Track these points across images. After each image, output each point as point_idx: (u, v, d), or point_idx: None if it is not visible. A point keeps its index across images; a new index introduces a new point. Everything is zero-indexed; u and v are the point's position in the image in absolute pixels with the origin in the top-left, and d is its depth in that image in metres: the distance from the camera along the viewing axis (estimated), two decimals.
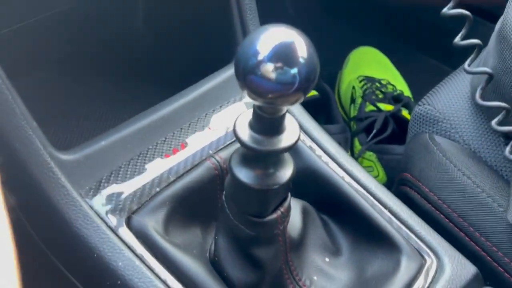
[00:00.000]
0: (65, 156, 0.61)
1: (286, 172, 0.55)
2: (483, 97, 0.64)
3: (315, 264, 0.64)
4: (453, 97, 0.79)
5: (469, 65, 0.59)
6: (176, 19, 0.77)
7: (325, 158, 0.70)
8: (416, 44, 1.30)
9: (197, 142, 0.68)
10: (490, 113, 0.70)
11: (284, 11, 1.39)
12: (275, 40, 0.44)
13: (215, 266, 0.61)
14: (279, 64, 0.44)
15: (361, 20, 1.37)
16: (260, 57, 0.43)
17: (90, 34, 0.71)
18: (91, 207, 0.60)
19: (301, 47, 0.44)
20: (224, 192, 0.57)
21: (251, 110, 0.52)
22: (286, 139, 0.52)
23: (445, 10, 0.58)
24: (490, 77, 0.57)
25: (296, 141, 0.52)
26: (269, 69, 0.43)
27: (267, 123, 0.50)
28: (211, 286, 0.57)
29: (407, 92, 1.18)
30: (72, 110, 0.70)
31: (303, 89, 0.45)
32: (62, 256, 0.62)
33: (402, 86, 1.19)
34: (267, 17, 1.32)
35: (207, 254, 0.65)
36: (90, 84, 0.71)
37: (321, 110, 1.10)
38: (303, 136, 0.71)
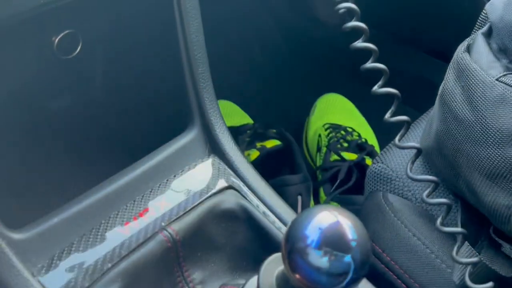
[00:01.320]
0: (16, 235, 0.62)
1: None
2: (427, 155, 0.65)
3: None
4: (405, 156, 0.81)
5: (399, 140, 0.61)
6: (132, 90, 0.79)
7: (278, 224, 0.71)
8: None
9: (150, 214, 0.69)
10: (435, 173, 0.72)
11: (253, 59, 1.41)
12: (323, 224, 0.42)
13: None
14: (328, 250, 0.41)
15: (328, 66, 1.40)
16: (312, 244, 0.41)
17: (43, 104, 0.73)
18: (43, 286, 0.60)
19: (351, 229, 0.41)
20: None
21: (276, 259, 0.50)
22: None
23: (387, 117, 0.60)
24: (419, 152, 0.60)
25: None
26: (316, 257, 0.41)
27: None
28: None
29: (372, 140, 1.20)
30: (22, 185, 0.71)
31: (358, 279, 0.42)
32: None
33: (367, 134, 1.21)
34: (236, 65, 1.34)
35: None
36: (41, 157, 0.72)
37: (285, 160, 1.11)
38: (257, 203, 0.73)
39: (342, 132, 1.18)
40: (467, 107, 0.66)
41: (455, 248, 0.61)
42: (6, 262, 0.60)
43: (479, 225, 0.70)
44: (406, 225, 0.74)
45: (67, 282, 0.61)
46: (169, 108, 0.78)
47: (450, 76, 0.70)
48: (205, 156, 0.76)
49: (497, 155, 0.63)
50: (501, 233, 0.69)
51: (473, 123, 0.65)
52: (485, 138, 0.64)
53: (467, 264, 0.61)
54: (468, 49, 0.68)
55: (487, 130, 0.64)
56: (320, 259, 0.42)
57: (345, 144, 1.14)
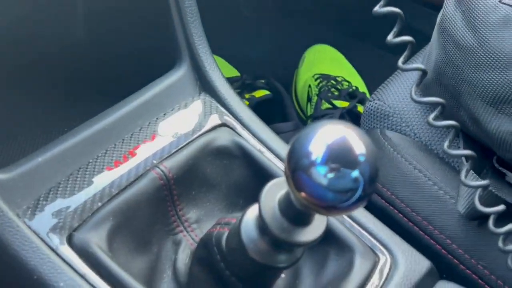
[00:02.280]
0: (0, 175, 0.58)
1: (298, 253, 0.51)
2: (425, 89, 0.63)
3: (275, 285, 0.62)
4: (403, 91, 0.78)
5: (403, 63, 0.58)
6: (116, 27, 0.74)
7: (276, 160, 0.68)
8: (371, 39, 1.30)
9: (140, 153, 0.65)
10: (434, 105, 0.69)
11: (239, 13, 1.37)
12: (328, 138, 0.39)
13: None
14: (335, 166, 0.38)
15: (316, 17, 1.36)
16: (312, 158, 0.39)
17: (26, 45, 0.68)
18: (29, 227, 0.57)
19: (359, 143, 0.39)
20: (223, 248, 0.54)
21: (281, 182, 0.47)
22: (313, 230, 0.47)
23: (376, 8, 0.57)
24: (424, 73, 0.56)
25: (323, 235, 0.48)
26: (322, 173, 0.38)
27: (305, 216, 0.46)
28: None
29: (362, 88, 1.17)
30: (6, 125, 0.66)
31: (368, 196, 0.40)
32: (1, 281, 0.58)
33: (357, 82, 1.18)
34: (222, 19, 1.30)
35: (168, 272, 0.62)
36: (26, 97, 0.68)
37: (275, 110, 1.08)
38: (252, 140, 0.69)
39: (332, 81, 1.15)
40: (468, 32, 0.63)
41: (463, 172, 0.58)
42: None
43: (482, 157, 0.67)
44: (406, 159, 0.71)
45: (55, 224, 0.57)
46: (157, 45, 0.74)
47: (449, 2, 0.66)
48: (195, 94, 0.72)
49: (501, 80, 0.61)
50: (505, 162, 0.66)
51: (475, 48, 0.62)
52: (488, 62, 0.61)
53: (476, 187, 0.58)
54: None
55: (490, 54, 0.61)
56: (326, 175, 0.39)
57: (336, 93, 1.11)
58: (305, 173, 0.40)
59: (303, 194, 0.41)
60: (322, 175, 0.39)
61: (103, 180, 0.62)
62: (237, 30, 1.31)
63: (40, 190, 0.59)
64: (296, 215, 0.46)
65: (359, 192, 0.40)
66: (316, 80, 1.16)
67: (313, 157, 0.39)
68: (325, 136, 0.40)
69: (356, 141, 0.40)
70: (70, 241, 0.56)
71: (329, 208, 0.41)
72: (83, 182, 0.61)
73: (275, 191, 0.48)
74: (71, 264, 0.55)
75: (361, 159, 0.39)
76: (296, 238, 0.47)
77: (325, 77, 1.16)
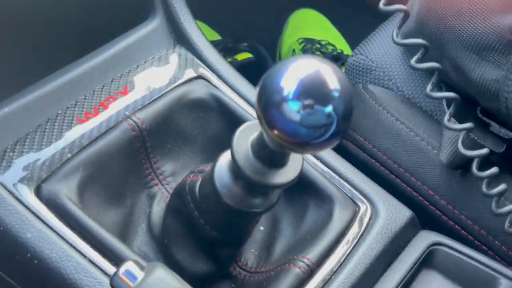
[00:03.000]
0: None
1: (273, 197, 0.49)
2: (405, 38, 0.60)
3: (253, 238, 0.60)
4: (385, 45, 0.75)
5: (384, 5, 0.55)
6: None
7: (253, 111, 0.65)
8: (356, 5, 1.26)
9: (112, 105, 0.62)
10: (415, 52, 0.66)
11: None
12: (300, 73, 0.37)
13: (163, 246, 0.57)
14: (308, 102, 0.37)
15: None
16: (284, 94, 0.37)
17: None
18: None
19: (333, 78, 0.37)
20: (197, 196, 0.51)
21: (254, 125, 0.45)
22: (288, 172, 0.45)
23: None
24: (406, 15, 0.54)
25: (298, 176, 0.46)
26: (295, 109, 0.36)
27: (278, 157, 0.44)
28: (129, 254, 0.52)
29: (347, 51, 1.14)
30: None
31: (342, 132, 0.38)
32: None
33: (342, 45, 1.15)
34: None
35: (143, 226, 0.60)
36: None
37: (258, 72, 1.04)
38: (229, 92, 0.66)
39: (317, 45, 1.12)
40: None
41: (446, 115, 0.56)
42: None
43: (466, 107, 0.65)
44: (388, 111, 0.69)
45: (23, 175, 0.55)
46: None
47: None
48: (170, 46, 0.69)
49: (485, 26, 0.58)
50: (489, 113, 0.64)
51: None
52: (471, 10, 0.59)
53: (460, 130, 0.56)
54: None
55: (474, 1, 0.59)
56: (299, 111, 0.37)
57: (320, 55, 1.08)
58: (277, 109, 0.38)
59: (275, 131, 0.39)
60: (294, 111, 0.37)
61: (73, 131, 0.59)
62: None
63: (6, 141, 0.56)
64: (269, 156, 0.44)
65: (333, 128, 0.38)
66: (300, 44, 1.13)
67: (285, 93, 0.37)
68: (298, 71, 0.38)
69: (330, 75, 0.37)
70: (38, 193, 0.54)
71: (303, 144, 0.39)
72: (51, 133, 0.58)
73: (248, 134, 0.46)
74: (39, 215, 0.53)
75: (335, 94, 0.37)
76: (270, 180, 0.45)
77: (309, 40, 1.13)
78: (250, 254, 0.59)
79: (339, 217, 0.57)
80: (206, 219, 0.51)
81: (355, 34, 1.18)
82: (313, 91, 0.37)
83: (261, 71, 1.12)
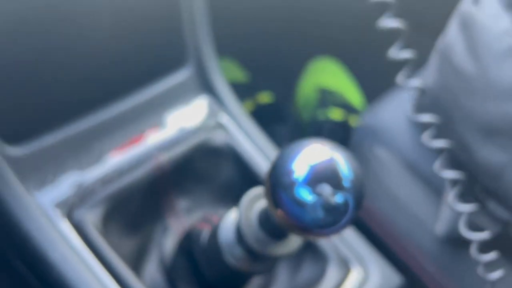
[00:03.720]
0: (14, 150, 0.58)
1: (273, 261, 0.50)
2: (420, 111, 0.60)
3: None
4: (394, 109, 0.77)
5: (402, 79, 0.56)
6: (128, 23, 0.73)
7: (265, 163, 0.67)
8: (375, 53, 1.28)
9: (143, 142, 0.65)
10: (427, 126, 0.68)
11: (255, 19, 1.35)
12: (313, 159, 0.35)
13: (171, 279, 0.58)
14: (318, 189, 0.35)
15: (325, 28, 1.33)
16: (299, 180, 0.35)
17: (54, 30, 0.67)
18: (35, 200, 0.57)
19: (346, 167, 0.35)
20: (201, 249, 0.53)
21: (259, 194, 0.45)
22: (290, 243, 0.45)
23: (381, 22, 0.55)
24: (421, 93, 0.55)
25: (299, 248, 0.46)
26: (303, 194, 0.35)
27: (282, 231, 0.43)
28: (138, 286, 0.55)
29: (358, 104, 1.16)
30: (23, 101, 0.66)
31: (348, 224, 0.36)
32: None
33: (354, 98, 1.17)
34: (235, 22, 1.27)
35: (156, 255, 0.62)
36: (43, 79, 0.67)
37: (276, 114, 1.08)
38: (245, 144, 0.69)
39: (331, 95, 1.14)
40: (469, 60, 0.60)
41: (451, 195, 0.56)
42: (3, 177, 0.56)
43: (466, 183, 0.66)
44: (390, 176, 0.71)
45: (58, 200, 0.58)
46: (164, 45, 0.73)
47: (453, 27, 0.64)
48: (198, 94, 0.72)
49: (497, 110, 0.58)
50: (487, 191, 0.65)
51: (475, 75, 0.59)
52: (486, 92, 0.58)
53: (463, 211, 0.56)
54: (475, 1, 0.63)
55: (490, 83, 0.58)
56: (306, 197, 0.36)
57: (333, 106, 1.10)
58: (284, 192, 0.36)
59: (279, 212, 0.38)
60: (302, 196, 0.35)
61: (105, 165, 0.62)
62: (249, 34, 1.29)
63: (48, 168, 0.60)
64: (272, 229, 0.44)
65: (339, 219, 0.36)
66: (316, 92, 1.15)
67: (295, 176, 0.36)
68: (310, 156, 0.36)
69: (342, 164, 0.36)
70: (69, 217, 0.57)
71: (305, 231, 0.37)
72: (87, 164, 0.62)
73: (256, 200, 0.46)
74: (67, 239, 0.55)
75: (346, 184, 0.35)
76: (271, 250, 0.45)
77: (325, 91, 1.15)
78: None
79: (330, 277, 0.58)
80: (208, 268, 0.54)
81: (373, 85, 1.20)
82: (324, 179, 0.36)
83: (280, 113, 1.14)
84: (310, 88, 1.18)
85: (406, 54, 0.55)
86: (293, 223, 0.37)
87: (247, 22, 1.22)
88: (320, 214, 0.36)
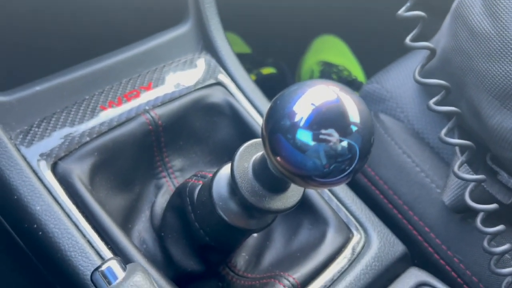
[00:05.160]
0: None
1: (268, 218, 0.44)
2: (427, 76, 0.53)
3: (245, 243, 0.55)
4: (402, 77, 0.69)
5: (411, 40, 0.48)
6: None
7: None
8: (380, 37, 1.19)
9: (135, 98, 0.58)
10: (434, 93, 0.59)
11: None
12: (318, 99, 0.30)
13: (160, 237, 0.53)
14: (321, 133, 0.29)
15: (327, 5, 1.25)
16: (301, 122, 0.30)
17: None
18: (18, 150, 0.51)
19: (354, 110, 0.30)
20: (194, 205, 0.47)
21: (260, 144, 0.39)
22: (287, 198, 0.39)
23: (401, 12, 0.47)
24: (432, 53, 0.47)
25: (297, 204, 0.40)
26: (305, 139, 0.30)
27: (279, 182, 0.38)
28: (123, 242, 0.47)
29: (361, 78, 1.09)
30: (15, 49, 0.59)
31: (353, 173, 0.31)
32: None
33: (358, 73, 1.10)
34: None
35: (147, 213, 0.56)
36: (38, 31, 0.60)
37: (278, 86, 0.99)
38: (244, 101, 0.61)
39: (334, 69, 1.06)
40: (487, 19, 0.53)
41: (458, 163, 0.48)
42: None
43: (476, 152, 0.57)
44: (396, 143, 0.62)
45: (43, 151, 0.52)
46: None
47: None
48: (197, 51, 0.64)
49: None
50: (498, 160, 0.56)
51: (492, 36, 0.52)
52: (503, 52, 0.51)
53: (472, 180, 0.49)
54: None
55: (508, 43, 0.51)
56: (309, 141, 0.30)
57: (336, 78, 1.02)
58: (284, 136, 0.31)
59: (278, 158, 0.32)
60: (303, 140, 0.30)
61: (95, 118, 0.56)
62: (257, 10, 1.20)
63: (34, 117, 0.54)
64: (270, 180, 0.39)
65: (344, 167, 0.31)
66: (319, 66, 1.07)
67: (296, 118, 0.30)
68: (315, 96, 0.31)
69: (350, 106, 0.30)
70: (54, 169, 0.51)
71: (306, 178, 0.32)
72: (76, 116, 0.55)
73: (252, 152, 0.40)
74: (51, 190, 0.50)
75: (353, 128, 0.30)
76: (266, 204, 0.39)
77: (328, 64, 1.08)
78: (240, 258, 0.55)
79: (331, 240, 0.51)
80: (201, 224, 0.47)
81: (373, 63, 1.12)
82: (329, 122, 0.30)
83: (283, 86, 1.06)
84: (313, 62, 1.10)
85: (416, 13, 0.47)
86: (293, 171, 0.32)
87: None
88: (323, 161, 0.31)
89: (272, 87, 0.98)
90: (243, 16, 1.11)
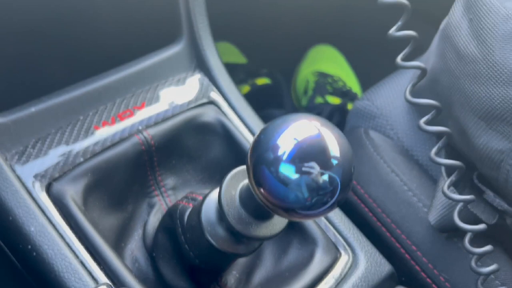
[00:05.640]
0: None
1: (256, 243, 0.44)
2: (416, 95, 0.53)
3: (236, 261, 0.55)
4: (393, 94, 0.69)
5: (402, 59, 0.48)
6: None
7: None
8: (375, 47, 1.19)
9: (128, 117, 0.59)
10: (424, 111, 0.59)
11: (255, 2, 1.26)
12: (300, 134, 0.31)
13: (151, 257, 0.53)
14: (304, 167, 0.30)
15: (323, 17, 1.25)
16: (284, 156, 0.30)
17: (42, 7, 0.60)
18: (14, 171, 0.52)
19: (334, 144, 0.31)
20: (184, 228, 0.47)
21: (243, 172, 0.40)
22: (273, 225, 0.39)
23: (392, 31, 0.48)
24: (423, 73, 0.47)
25: (283, 230, 0.40)
26: (287, 172, 0.30)
27: (264, 211, 0.38)
28: (116, 264, 0.47)
29: (356, 89, 1.08)
30: (9, 70, 0.60)
31: (333, 205, 0.31)
32: None
33: (352, 83, 1.09)
34: (237, 7, 1.19)
35: (139, 231, 0.56)
36: (33, 52, 0.60)
37: (273, 97, 0.99)
38: (236, 121, 0.61)
39: (329, 79, 1.06)
40: (473, 42, 0.53)
41: (447, 183, 0.49)
42: None
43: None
44: (385, 161, 0.62)
45: (37, 171, 0.52)
46: (159, 19, 0.65)
47: (457, 8, 0.56)
48: (191, 70, 0.64)
49: (499, 95, 0.51)
50: (485, 179, 0.56)
51: (478, 59, 0.53)
52: (488, 75, 0.52)
53: (460, 201, 0.49)
54: None
55: (493, 67, 0.51)
56: (291, 175, 0.31)
57: (331, 90, 1.02)
58: (267, 168, 0.31)
59: (262, 190, 0.33)
60: (286, 173, 0.31)
61: (89, 137, 0.56)
62: (251, 20, 1.20)
63: (29, 138, 0.54)
64: (255, 208, 0.39)
65: (325, 201, 0.31)
66: (314, 76, 1.07)
67: (280, 152, 0.31)
68: (297, 131, 0.31)
69: (331, 141, 0.31)
70: (48, 190, 0.52)
71: (288, 210, 0.32)
72: (70, 137, 0.55)
73: (239, 179, 0.41)
74: (45, 212, 0.50)
75: (334, 162, 0.31)
76: (253, 231, 0.40)
77: (323, 74, 1.08)
78: (231, 276, 0.55)
79: (319, 260, 0.52)
80: (190, 247, 0.47)
81: (369, 74, 1.12)
82: (310, 156, 0.31)
83: (276, 96, 1.06)
84: (308, 72, 1.10)
85: (407, 33, 0.47)
86: (276, 203, 0.32)
87: (248, 8, 1.13)
88: (305, 194, 0.31)
89: (266, 97, 0.99)
90: (238, 25, 1.11)
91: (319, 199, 0.31)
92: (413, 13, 0.50)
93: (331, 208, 0.32)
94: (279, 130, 0.32)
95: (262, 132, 0.33)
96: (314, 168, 0.30)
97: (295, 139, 0.31)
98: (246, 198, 0.38)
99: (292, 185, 0.31)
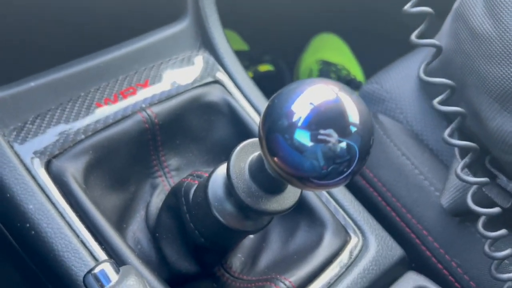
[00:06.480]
0: None
1: (265, 220, 0.41)
2: (429, 75, 0.50)
3: (241, 244, 0.52)
4: (402, 78, 0.67)
5: (417, 37, 0.45)
6: None
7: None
8: (379, 36, 1.16)
9: (131, 95, 0.55)
10: (435, 94, 0.56)
11: None
12: (317, 98, 0.28)
13: (154, 238, 0.50)
14: (320, 133, 0.28)
15: (328, 4, 1.21)
16: (299, 122, 0.28)
17: None
18: (12, 147, 0.49)
19: (353, 110, 0.28)
20: (189, 205, 0.44)
21: (257, 144, 0.37)
22: (284, 200, 0.37)
23: (407, 7, 0.45)
24: (438, 51, 0.44)
25: (295, 205, 0.38)
26: (303, 139, 0.28)
27: (276, 183, 0.35)
28: (118, 243, 0.45)
29: (360, 78, 1.06)
30: (13, 43, 0.57)
31: (351, 174, 0.30)
32: None
33: (356, 72, 1.07)
34: None
35: (142, 213, 0.53)
36: (35, 27, 0.57)
37: (276, 85, 0.96)
38: (242, 100, 0.58)
39: (333, 68, 1.03)
40: (488, 21, 0.51)
41: (460, 165, 0.46)
42: None
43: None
44: (395, 144, 0.60)
45: (37, 148, 0.49)
46: None
47: None
48: (195, 49, 0.61)
49: None
50: (497, 163, 0.54)
51: (493, 38, 0.50)
52: (504, 54, 0.49)
53: (475, 183, 0.47)
54: None
55: (509, 45, 0.49)
56: (307, 142, 0.28)
57: (334, 78, 0.99)
58: (281, 136, 0.29)
59: (276, 159, 0.30)
60: (301, 140, 0.28)
61: (90, 115, 0.53)
62: (256, 7, 1.17)
63: (28, 114, 0.51)
64: (266, 181, 0.37)
65: (341, 169, 0.29)
66: (318, 64, 1.04)
67: (294, 118, 0.29)
68: (313, 96, 0.29)
69: (350, 106, 0.29)
70: (47, 167, 0.49)
71: (303, 180, 0.30)
72: (71, 113, 0.52)
73: (248, 151, 0.38)
74: (44, 189, 0.48)
75: (353, 129, 0.28)
76: (263, 205, 0.37)
77: (327, 63, 1.05)
78: (236, 259, 0.52)
79: (328, 243, 0.49)
80: (196, 225, 0.44)
81: (373, 62, 1.09)
82: (328, 122, 0.28)
83: (280, 84, 1.03)
84: (312, 61, 1.07)
85: (422, 9, 0.44)
86: (290, 172, 0.30)
87: None
88: (321, 162, 0.29)
89: (269, 85, 0.96)
90: (241, 13, 1.07)
91: (335, 168, 0.29)
92: None
93: (347, 178, 0.30)
94: (294, 94, 0.30)
95: (276, 97, 0.31)
96: (331, 135, 0.28)
97: (311, 103, 0.29)
98: (257, 170, 0.36)
99: (307, 153, 0.28)
